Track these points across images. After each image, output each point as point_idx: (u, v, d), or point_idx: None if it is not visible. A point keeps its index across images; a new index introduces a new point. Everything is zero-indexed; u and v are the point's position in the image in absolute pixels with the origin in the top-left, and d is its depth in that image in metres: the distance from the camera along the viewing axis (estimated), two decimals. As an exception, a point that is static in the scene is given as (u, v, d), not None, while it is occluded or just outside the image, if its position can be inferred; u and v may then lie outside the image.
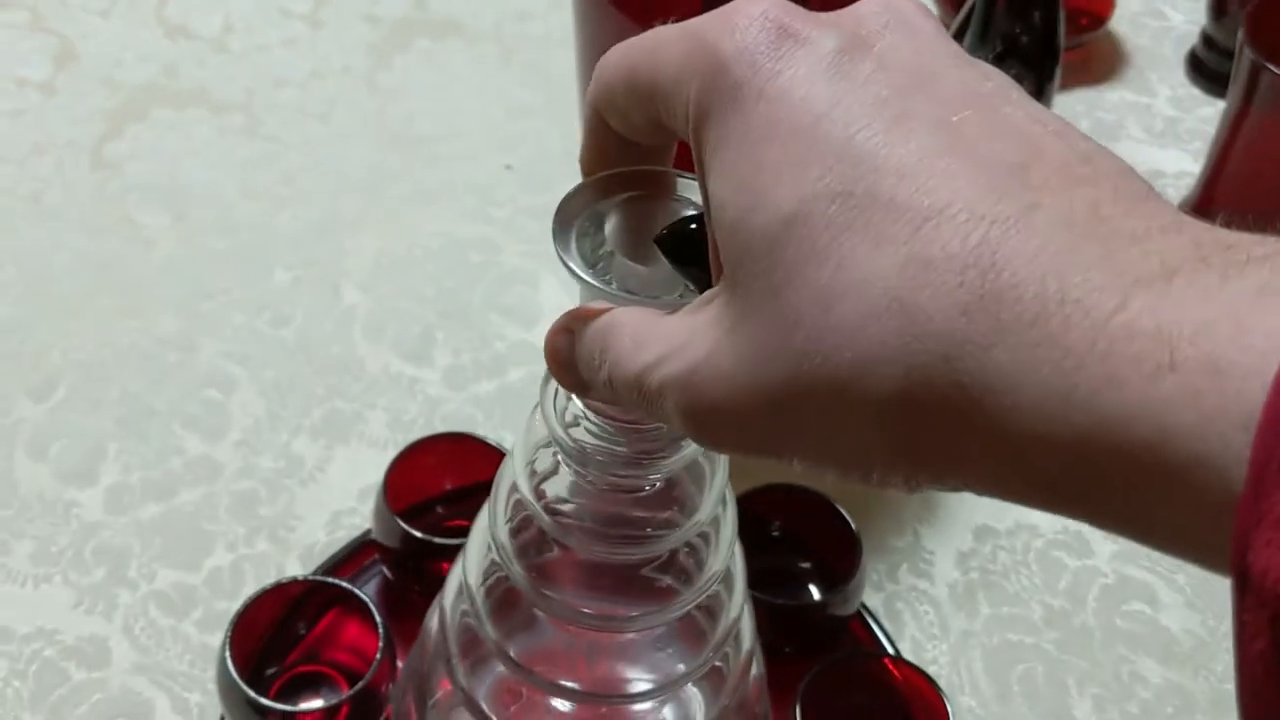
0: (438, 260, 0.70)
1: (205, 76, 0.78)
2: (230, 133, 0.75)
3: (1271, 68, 0.61)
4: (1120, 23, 0.86)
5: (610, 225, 0.30)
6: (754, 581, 0.51)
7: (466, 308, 0.67)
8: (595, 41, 0.55)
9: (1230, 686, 0.55)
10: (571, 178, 0.31)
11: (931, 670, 0.55)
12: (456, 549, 0.51)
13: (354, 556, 0.55)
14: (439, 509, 0.55)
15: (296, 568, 0.56)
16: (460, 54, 0.82)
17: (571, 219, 0.29)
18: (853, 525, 0.53)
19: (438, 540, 0.51)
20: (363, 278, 0.68)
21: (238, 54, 0.80)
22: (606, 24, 0.53)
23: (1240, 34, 0.64)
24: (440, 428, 0.62)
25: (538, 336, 0.66)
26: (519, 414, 0.63)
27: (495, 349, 0.66)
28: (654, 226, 0.29)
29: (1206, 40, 0.82)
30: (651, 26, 0.50)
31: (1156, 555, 0.59)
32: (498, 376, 0.65)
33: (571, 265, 0.28)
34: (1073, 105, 0.81)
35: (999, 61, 0.66)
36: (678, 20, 0.47)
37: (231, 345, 0.65)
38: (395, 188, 0.73)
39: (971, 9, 0.66)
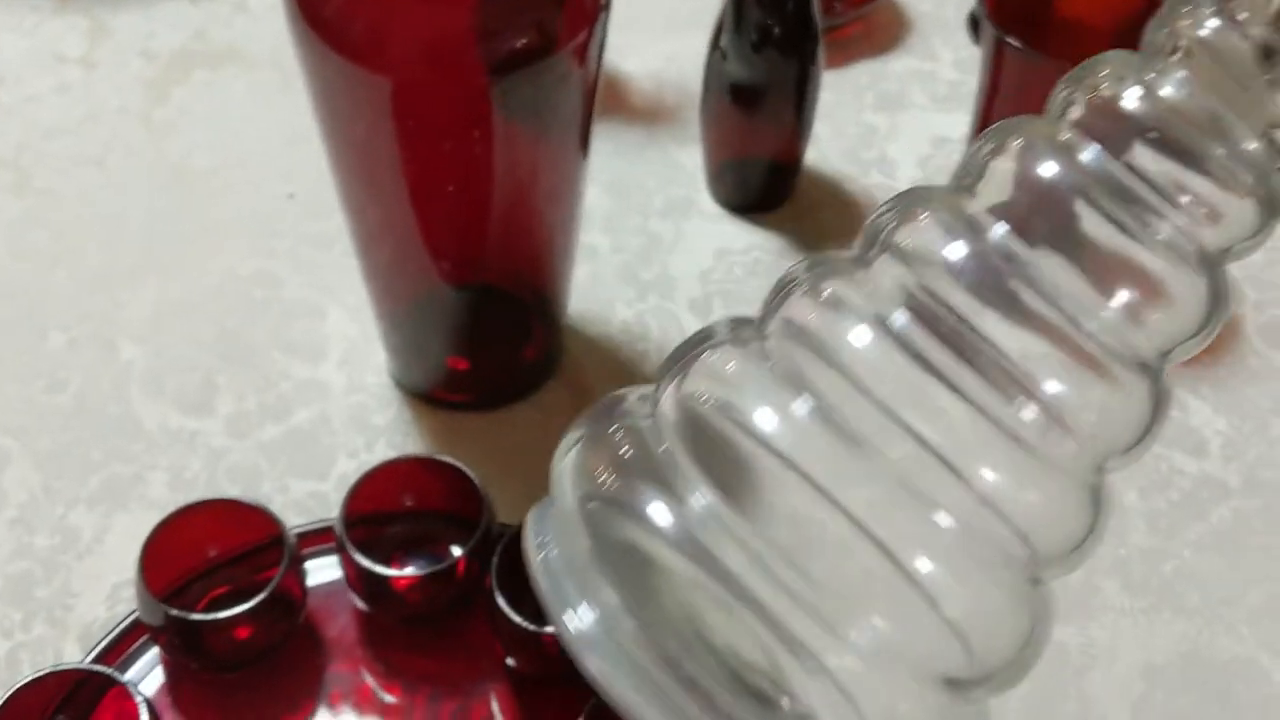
0: (218, 301, 0.68)
1: (-29, 134, 0.76)
2: (-2, 191, 0.73)
3: (1012, 41, 0.61)
4: (903, -13, 0.86)
5: None
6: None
7: (249, 348, 0.66)
8: (323, 84, 0.54)
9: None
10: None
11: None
12: (219, 624, 0.50)
13: (130, 634, 0.54)
14: (204, 581, 0.54)
15: (75, 650, 0.55)
16: (238, 81, 0.80)
17: None
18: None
19: (194, 617, 0.50)
20: (140, 330, 0.67)
21: (6, 107, 0.78)
22: (328, 68, 0.52)
23: (979, 7, 0.64)
24: (224, 481, 0.61)
25: (324, 373, 0.65)
26: (306, 458, 0.62)
27: (280, 389, 0.65)
28: None
29: None
30: (377, 69, 0.49)
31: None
32: (284, 420, 0.63)
33: None
34: (857, 78, 0.81)
35: (756, 52, 0.65)
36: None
37: (4, 417, 0.63)
38: (174, 228, 0.72)
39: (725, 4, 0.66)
